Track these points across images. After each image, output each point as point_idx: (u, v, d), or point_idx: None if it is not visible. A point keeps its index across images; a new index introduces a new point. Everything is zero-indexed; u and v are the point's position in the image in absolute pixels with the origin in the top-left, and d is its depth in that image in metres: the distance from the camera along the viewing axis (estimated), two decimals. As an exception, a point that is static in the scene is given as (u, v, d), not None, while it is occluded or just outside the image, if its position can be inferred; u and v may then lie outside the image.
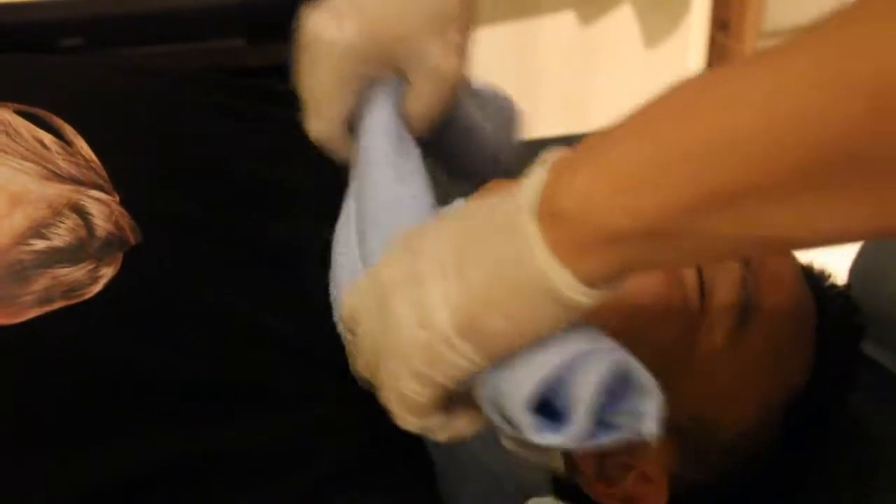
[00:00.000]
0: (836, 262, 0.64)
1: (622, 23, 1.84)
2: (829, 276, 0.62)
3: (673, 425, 0.52)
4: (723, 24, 2.04)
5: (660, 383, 0.50)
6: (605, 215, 0.35)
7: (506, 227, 0.37)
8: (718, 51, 2.06)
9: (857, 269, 0.76)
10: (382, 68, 0.53)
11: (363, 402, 0.50)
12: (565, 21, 1.78)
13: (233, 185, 0.58)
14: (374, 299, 0.40)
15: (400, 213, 0.49)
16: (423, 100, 0.54)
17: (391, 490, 0.48)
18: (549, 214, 0.36)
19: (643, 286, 0.52)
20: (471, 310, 0.37)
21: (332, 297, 0.52)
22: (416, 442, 0.52)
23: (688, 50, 1.86)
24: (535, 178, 0.38)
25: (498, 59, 1.79)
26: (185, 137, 0.59)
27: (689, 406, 0.52)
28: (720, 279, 0.53)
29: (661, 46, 1.85)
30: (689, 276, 0.53)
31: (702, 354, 0.53)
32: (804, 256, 0.62)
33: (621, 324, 0.50)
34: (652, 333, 0.51)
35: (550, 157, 0.39)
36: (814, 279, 0.61)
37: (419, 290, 0.37)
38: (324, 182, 0.64)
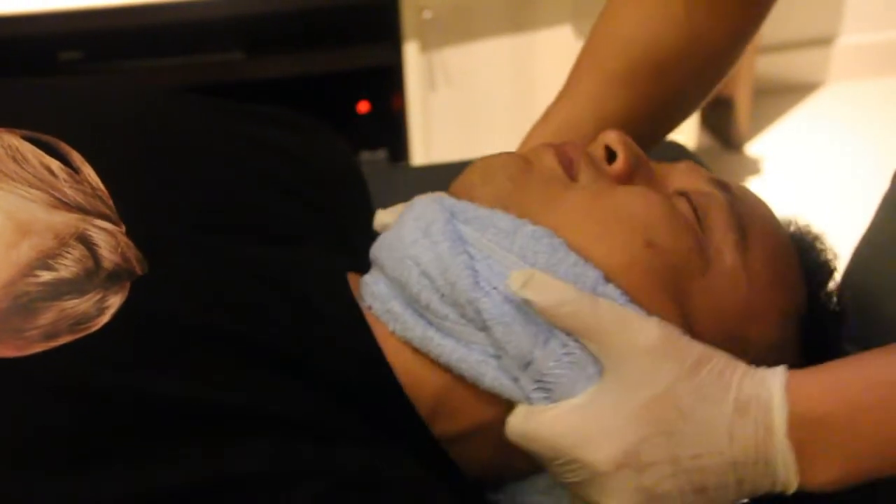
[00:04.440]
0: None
1: (619, 37, 1.84)
2: (806, 226, 0.64)
3: (710, 347, 0.52)
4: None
5: (690, 300, 0.53)
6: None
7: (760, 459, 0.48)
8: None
9: (850, 283, 0.75)
10: None
11: (364, 420, 0.51)
12: (562, 35, 1.79)
13: (237, 213, 0.58)
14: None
15: None
16: None
17: (395, 498, 0.48)
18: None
19: (649, 203, 0.54)
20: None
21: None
22: (418, 450, 0.53)
23: (684, 64, 1.87)
24: (779, 369, 0.49)
25: (495, 72, 1.79)
26: (191, 164, 0.59)
27: (718, 326, 0.54)
28: (710, 206, 0.56)
29: (658, 60, 1.86)
30: (680, 202, 0.56)
31: (717, 272, 0.54)
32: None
33: (642, 233, 0.53)
34: (670, 241, 0.53)
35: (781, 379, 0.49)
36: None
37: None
38: (324, 208, 0.64)
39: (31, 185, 0.50)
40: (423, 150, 1.79)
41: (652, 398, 0.48)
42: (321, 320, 0.53)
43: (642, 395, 0.48)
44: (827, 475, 0.48)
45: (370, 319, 0.55)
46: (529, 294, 0.49)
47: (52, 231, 0.49)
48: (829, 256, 0.62)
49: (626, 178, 0.57)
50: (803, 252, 0.61)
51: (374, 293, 0.56)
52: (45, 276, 0.47)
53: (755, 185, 2.05)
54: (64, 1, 1.51)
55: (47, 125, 0.54)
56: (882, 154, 2.10)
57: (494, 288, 0.51)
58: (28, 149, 0.52)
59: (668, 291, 0.53)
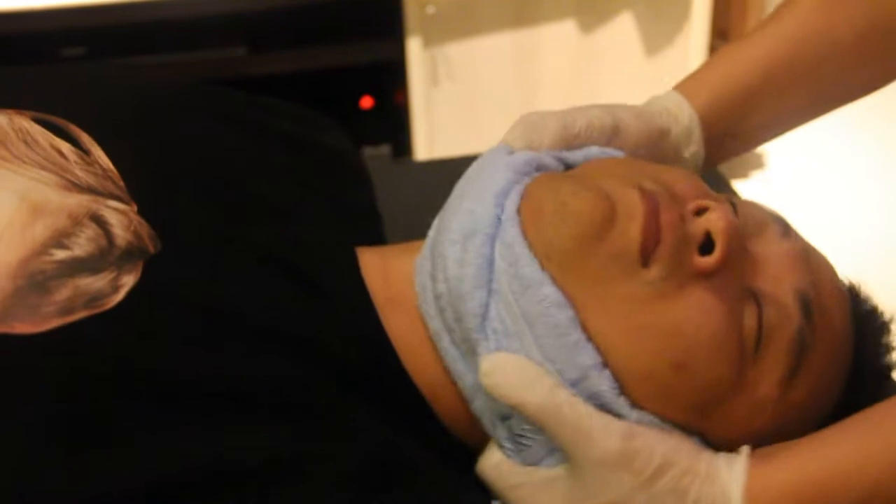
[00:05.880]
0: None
1: (622, 31, 1.84)
2: (870, 300, 0.61)
3: (672, 449, 0.52)
4: (722, 33, 2.05)
5: (700, 418, 0.52)
6: None
7: None
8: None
9: None
10: None
11: (378, 404, 0.51)
12: (566, 30, 1.79)
13: (244, 195, 0.58)
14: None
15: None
16: None
17: (409, 486, 0.48)
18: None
19: (704, 322, 0.50)
20: None
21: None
22: (429, 438, 0.53)
23: (688, 58, 1.87)
24: (739, 469, 0.50)
25: (499, 67, 1.79)
26: (199, 147, 0.59)
27: (722, 441, 0.52)
28: (778, 329, 0.52)
29: (662, 54, 1.86)
30: (750, 321, 0.52)
31: (746, 400, 0.52)
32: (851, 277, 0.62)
33: (676, 354, 0.50)
34: (703, 369, 0.50)
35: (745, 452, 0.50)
36: (856, 302, 0.60)
37: None
38: (328, 194, 0.64)
39: (42, 168, 0.51)
40: (427, 145, 1.79)
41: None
42: (327, 300, 0.53)
43: (597, 500, 0.50)
44: None
45: (381, 298, 0.55)
46: (491, 383, 0.50)
47: (66, 211, 0.49)
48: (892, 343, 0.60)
49: (710, 274, 0.51)
50: (861, 337, 0.58)
51: (422, 257, 0.55)
52: (60, 254, 0.48)
53: (759, 179, 2.05)
54: (67, -3, 1.52)
55: (57, 107, 0.55)
56: (886, 149, 2.10)
57: (495, 331, 0.51)
58: (38, 131, 0.53)
59: (678, 408, 0.51)
